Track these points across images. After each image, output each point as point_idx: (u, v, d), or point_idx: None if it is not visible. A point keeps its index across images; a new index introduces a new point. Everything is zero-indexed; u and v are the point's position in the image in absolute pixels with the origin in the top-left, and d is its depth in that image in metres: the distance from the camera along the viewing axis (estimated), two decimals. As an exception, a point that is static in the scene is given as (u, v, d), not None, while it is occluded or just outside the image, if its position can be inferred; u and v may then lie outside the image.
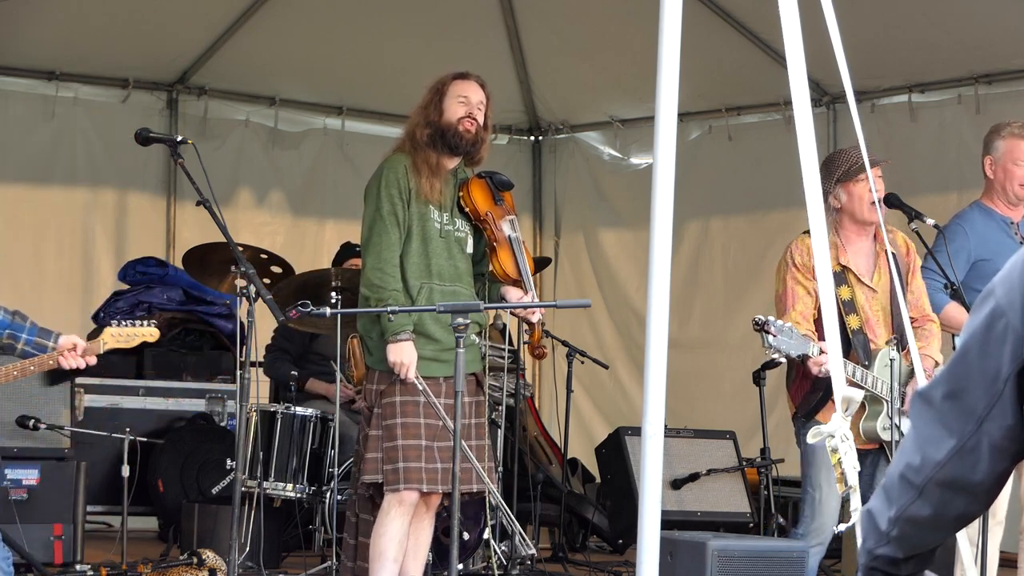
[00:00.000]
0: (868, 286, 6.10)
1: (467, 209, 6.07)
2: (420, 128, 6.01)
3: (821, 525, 6.00)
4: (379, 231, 5.90)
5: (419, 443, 5.83)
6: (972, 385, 2.33)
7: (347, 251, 8.41)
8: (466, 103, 6.03)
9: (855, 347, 5.99)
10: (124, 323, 5.84)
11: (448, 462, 5.83)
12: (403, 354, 5.80)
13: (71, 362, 5.61)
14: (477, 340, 6.07)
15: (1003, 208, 6.67)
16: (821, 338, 5.82)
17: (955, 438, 2.35)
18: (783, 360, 5.82)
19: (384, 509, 5.88)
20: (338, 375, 7.42)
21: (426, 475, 5.82)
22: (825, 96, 9.67)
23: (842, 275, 6.05)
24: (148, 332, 5.88)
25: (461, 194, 6.06)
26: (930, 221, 6.42)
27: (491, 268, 6.14)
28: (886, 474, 2.50)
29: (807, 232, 5.94)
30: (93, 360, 5.66)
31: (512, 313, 6.37)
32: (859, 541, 2.56)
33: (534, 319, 6.08)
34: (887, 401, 5.99)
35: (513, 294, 6.11)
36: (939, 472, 2.38)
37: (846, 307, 6.01)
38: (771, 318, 5.68)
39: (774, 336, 5.64)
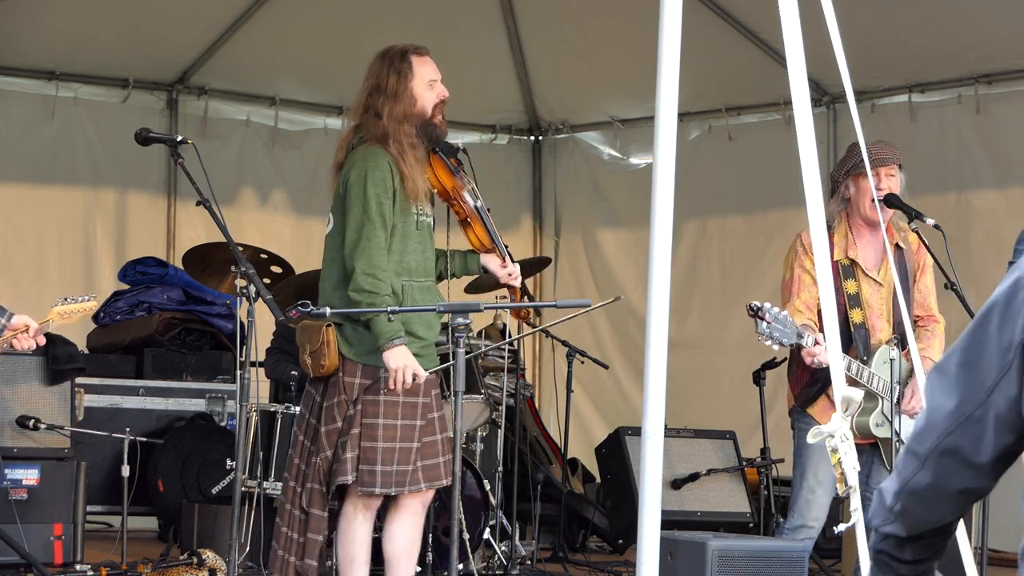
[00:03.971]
0: (873, 279, 6.11)
1: (436, 190, 5.85)
2: (404, 125, 5.70)
3: (810, 518, 6.02)
4: (367, 234, 5.64)
5: (394, 446, 5.71)
6: (986, 355, 2.32)
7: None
8: (435, 87, 5.77)
9: (856, 341, 6.01)
10: (68, 301, 5.88)
11: (432, 458, 5.79)
12: (405, 358, 5.62)
13: (24, 344, 5.65)
14: (442, 337, 6.02)
15: None
16: (823, 329, 5.83)
17: (964, 406, 2.35)
18: (776, 348, 5.82)
19: (350, 513, 5.76)
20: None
21: (396, 478, 5.71)
22: (825, 96, 9.67)
23: (850, 268, 6.07)
24: (87, 306, 5.95)
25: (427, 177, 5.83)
26: (930, 221, 6.42)
27: (469, 242, 5.95)
28: (897, 455, 2.50)
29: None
30: (42, 340, 5.75)
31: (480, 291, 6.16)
32: (869, 520, 2.55)
33: (515, 283, 5.96)
34: (882, 398, 6.00)
35: (493, 262, 5.94)
36: (943, 440, 2.37)
37: (851, 301, 6.02)
38: (766, 304, 5.68)
39: (768, 323, 5.65)
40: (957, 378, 2.37)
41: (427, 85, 5.76)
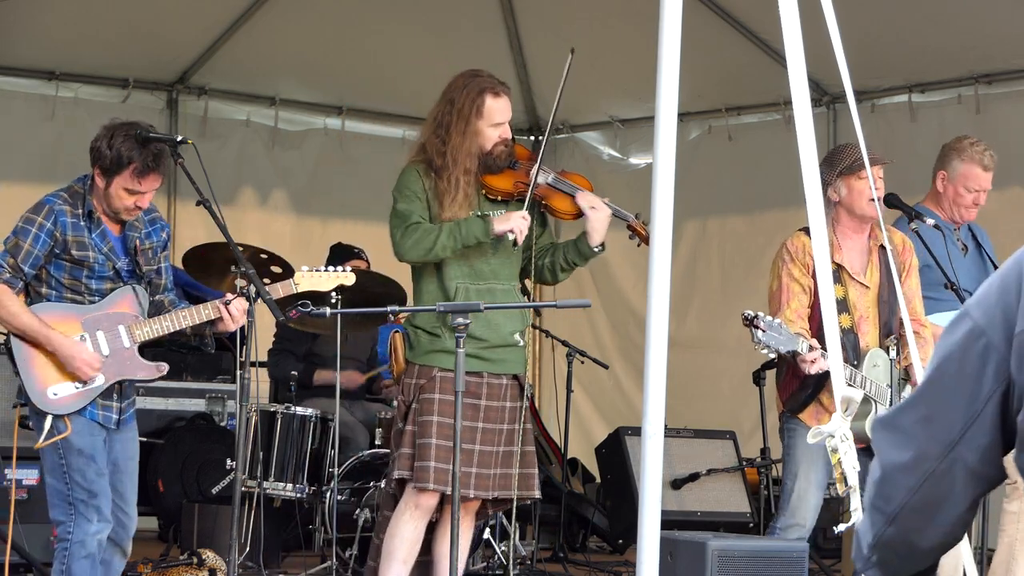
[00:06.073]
0: (860, 283, 6.11)
1: (499, 198, 5.94)
2: (466, 161, 5.82)
3: (800, 517, 6.04)
4: (396, 228, 5.87)
5: (451, 444, 5.75)
6: (948, 408, 2.28)
7: (344, 252, 8.41)
8: (499, 128, 5.89)
9: (845, 347, 6.00)
10: (317, 270, 5.95)
11: (485, 467, 5.80)
12: (505, 220, 5.77)
13: (237, 305, 5.64)
14: (522, 341, 5.99)
15: (946, 215, 6.65)
16: (814, 336, 5.84)
17: (927, 462, 2.30)
18: (774, 355, 5.83)
19: (400, 509, 5.82)
20: (338, 376, 7.42)
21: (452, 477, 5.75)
22: (825, 96, 9.67)
23: (836, 273, 6.06)
24: (344, 275, 6.00)
25: (484, 191, 5.93)
26: (930, 221, 6.43)
27: (558, 217, 6.07)
28: (865, 496, 2.46)
29: (803, 229, 5.96)
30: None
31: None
32: (852, 558, 2.55)
33: (604, 215, 5.93)
34: (875, 401, 6.00)
35: (589, 227, 5.97)
36: (911, 498, 2.32)
37: (838, 306, 6.01)
38: (760, 314, 5.70)
39: (763, 332, 5.65)
40: (914, 433, 2.31)
41: (493, 125, 5.87)
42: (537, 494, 6.08)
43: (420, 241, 5.79)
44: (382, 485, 6.04)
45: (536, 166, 5.94)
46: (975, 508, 2.34)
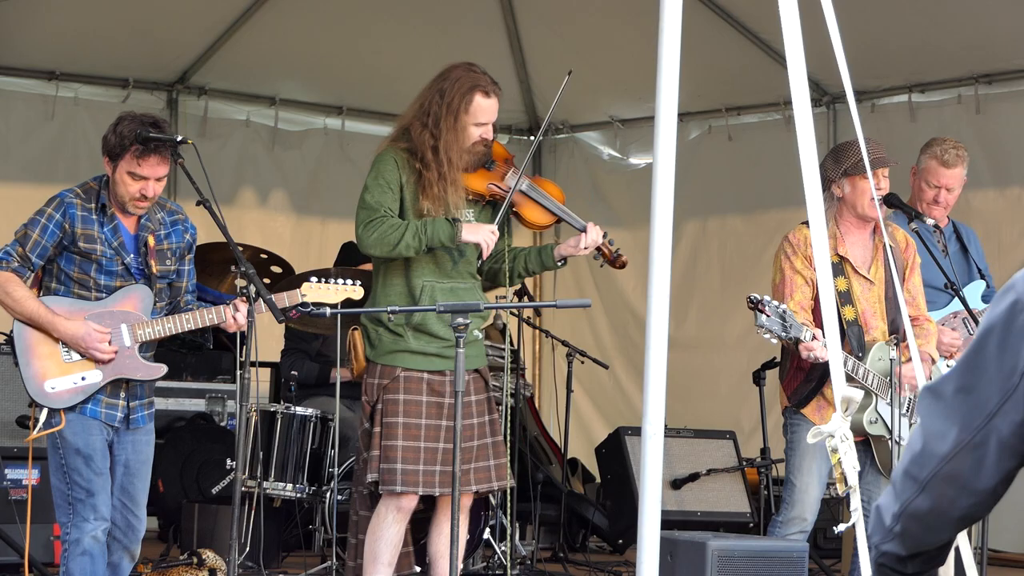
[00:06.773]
0: (865, 277, 6.11)
1: (469, 197, 5.94)
2: (452, 153, 5.81)
3: (801, 513, 6.05)
4: (361, 219, 5.84)
5: (418, 445, 5.78)
6: (986, 379, 2.28)
7: (357, 253, 8.41)
8: (480, 127, 5.89)
9: (849, 338, 6.01)
10: (325, 282, 5.93)
11: (450, 464, 5.80)
12: (475, 231, 5.75)
13: (239, 317, 5.63)
14: (480, 335, 6.02)
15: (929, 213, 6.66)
16: (817, 328, 5.84)
17: (963, 432, 2.31)
18: (774, 342, 5.83)
19: (381, 512, 5.83)
20: (338, 375, 7.42)
21: (423, 478, 5.77)
22: (825, 96, 9.68)
23: (839, 266, 6.06)
24: (352, 289, 5.96)
25: None
26: (929, 221, 6.43)
27: (525, 225, 6.07)
28: (893, 470, 2.48)
29: (805, 223, 5.96)
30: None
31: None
32: (867, 535, 2.55)
33: (596, 241, 5.94)
34: (876, 395, 6.01)
35: (568, 246, 5.99)
36: (944, 467, 2.33)
37: (842, 298, 6.02)
38: (767, 298, 5.71)
39: (767, 316, 5.66)
40: (954, 403, 2.32)
41: (476, 124, 5.87)
42: (510, 483, 6.06)
43: (385, 236, 5.78)
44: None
45: (518, 176, 5.94)
46: (1008, 482, 2.34)
